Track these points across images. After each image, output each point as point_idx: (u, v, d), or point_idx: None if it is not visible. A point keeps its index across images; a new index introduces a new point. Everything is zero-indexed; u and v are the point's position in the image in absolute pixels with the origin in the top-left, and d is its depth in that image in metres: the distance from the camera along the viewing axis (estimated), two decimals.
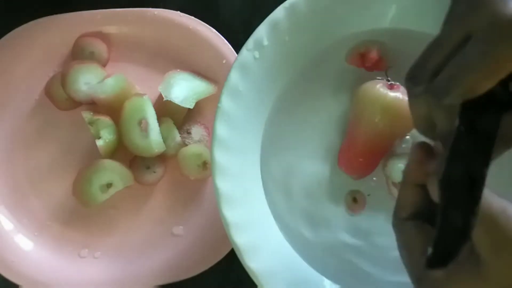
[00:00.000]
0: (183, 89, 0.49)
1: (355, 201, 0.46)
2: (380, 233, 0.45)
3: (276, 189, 0.45)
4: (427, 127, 0.32)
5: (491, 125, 0.28)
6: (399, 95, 0.43)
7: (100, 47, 0.52)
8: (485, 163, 0.28)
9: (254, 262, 0.41)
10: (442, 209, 0.28)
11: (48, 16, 0.52)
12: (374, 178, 0.46)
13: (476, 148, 0.28)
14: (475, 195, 0.27)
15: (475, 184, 0.28)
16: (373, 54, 0.46)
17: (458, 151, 0.28)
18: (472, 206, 0.27)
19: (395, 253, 0.44)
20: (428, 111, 0.31)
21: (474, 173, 0.28)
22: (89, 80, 0.50)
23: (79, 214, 0.50)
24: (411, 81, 0.30)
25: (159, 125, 0.49)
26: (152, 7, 0.52)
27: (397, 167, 0.45)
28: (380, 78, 0.45)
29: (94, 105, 0.50)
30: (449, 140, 0.28)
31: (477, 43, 0.27)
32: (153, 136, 0.48)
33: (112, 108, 0.49)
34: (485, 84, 0.27)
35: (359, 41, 0.46)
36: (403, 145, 0.46)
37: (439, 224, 0.28)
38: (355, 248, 0.44)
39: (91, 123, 0.48)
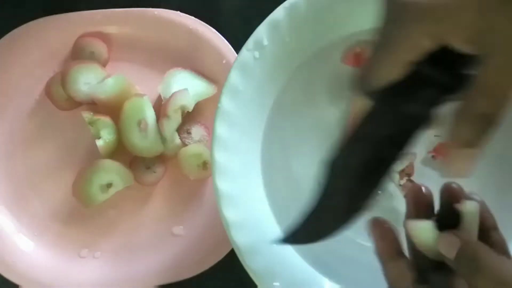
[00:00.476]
0: None
1: None
2: None
3: (276, 188, 0.45)
4: None
5: (415, 109, 0.28)
6: None
7: (100, 47, 0.52)
8: (398, 146, 0.28)
9: (255, 262, 0.41)
10: (324, 188, 0.29)
11: (48, 16, 0.52)
12: None
13: (390, 131, 0.28)
14: (376, 178, 0.28)
15: (378, 167, 0.28)
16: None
17: (363, 133, 0.29)
18: (367, 190, 0.28)
19: None
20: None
21: (381, 156, 0.28)
22: (89, 80, 0.50)
23: (79, 214, 0.50)
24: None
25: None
26: (152, 7, 0.52)
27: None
28: None
29: (94, 105, 0.50)
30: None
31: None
32: (152, 137, 0.48)
33: (112, 108, 0.49)
34: (393, 70, 0.27)
35: (354, 41, 0.46)
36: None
37: (319, 199, 0.29)
38: (357, 249, 0.44)
39: (91, 123, 0.48)
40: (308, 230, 0.31)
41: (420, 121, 0.28)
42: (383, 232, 0.32)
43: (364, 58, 0.45)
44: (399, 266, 0.31)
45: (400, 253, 0.31)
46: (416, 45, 0.27)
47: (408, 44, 0.27)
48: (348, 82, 0.31)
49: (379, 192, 0.29)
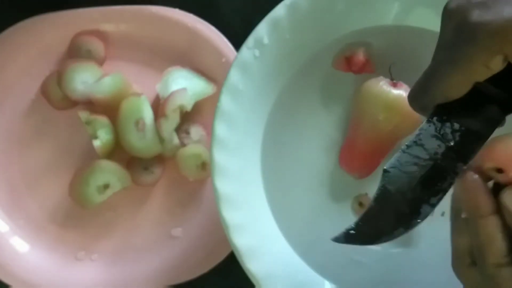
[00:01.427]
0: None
1: (361, 205, 0.45)
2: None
3: (277, 189, 0.45)
4: None
5: (475, 125, 0.28)
6: (403, 92, 0.42)
7: (97, 45, 0.51)
8: (461, 160, 0.28)
9: (254, 265, 0.40)
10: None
11: (44, 14, 0.52)
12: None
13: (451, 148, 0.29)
14: (436, 188, 0.28)
15: (438, 178, 0.29)
16: (359, 57, 0.45)
17: (421, 145, 0.29)
18: (427, 198, 0.29)
19: (400, 256, 0.44)
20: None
21: (441, 167, 0.29)
22: (86, 79, 0.50)
23: (76, 215, 0.50)
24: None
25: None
26: (151, 4, 0.51)
27: None
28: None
29: (91, 104, 0.50)
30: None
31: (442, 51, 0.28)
32: (150, 137, 0.48)
33: (110, 108, 0.49)
34: (457, 90, 0.27)
35: (344, 45, 0.46)
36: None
37: (378, 203, 0.30)
38: (358, 251, 0.44)
39: (88, 123, 0.48)
40: (366, 232, 0.31)
41: (480, 136, 0.28)
42: (474, 183, 0.28)
43: (355, 62, 0.45)
44: (492, 225, 0.27)
45: (494, 211, 0.27)
46: (487, 65, 0.26)
47: (479, 65, 0.26)
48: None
49: (438, 202, 0.29)
